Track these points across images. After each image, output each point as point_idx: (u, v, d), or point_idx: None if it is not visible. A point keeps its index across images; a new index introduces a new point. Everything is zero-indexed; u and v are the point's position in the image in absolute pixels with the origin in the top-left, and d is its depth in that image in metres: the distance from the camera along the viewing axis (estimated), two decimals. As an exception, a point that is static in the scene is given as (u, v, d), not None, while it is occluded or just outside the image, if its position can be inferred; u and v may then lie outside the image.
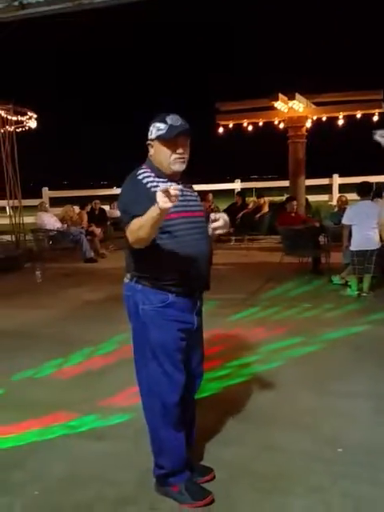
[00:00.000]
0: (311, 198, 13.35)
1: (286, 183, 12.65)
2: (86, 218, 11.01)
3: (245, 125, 11.63)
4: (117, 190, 16.21)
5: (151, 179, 2.27)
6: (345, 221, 6.33)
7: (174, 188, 1.93)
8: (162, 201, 1.91)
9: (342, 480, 2.47)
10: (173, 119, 2.25)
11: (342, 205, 8.82)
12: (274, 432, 2.97)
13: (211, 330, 4.53)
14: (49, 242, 10.16)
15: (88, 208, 11.56)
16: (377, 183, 8.77)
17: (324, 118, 11.44)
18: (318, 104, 11.43)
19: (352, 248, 6.25)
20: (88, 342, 4.80)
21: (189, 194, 2.39)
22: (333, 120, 11.48)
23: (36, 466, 2.75)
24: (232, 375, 3.86)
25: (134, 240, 2.15)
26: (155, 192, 1.99)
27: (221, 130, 11.76)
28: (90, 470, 2.70)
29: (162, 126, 2.25)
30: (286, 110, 10.76)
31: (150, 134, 2.29)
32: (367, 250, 6.11)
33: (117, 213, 12.92)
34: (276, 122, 11.64)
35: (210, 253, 2.39)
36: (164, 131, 2.24)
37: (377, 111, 11.25)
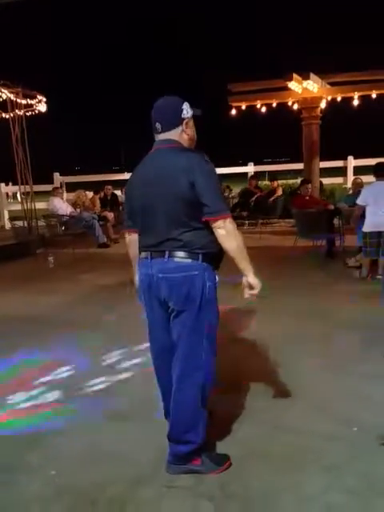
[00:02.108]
0: (325, 180, 13.19)
1: (299, 166, 12.48)
2: (98, 203, 11.00)
3: (258, 106, 11.45)
4: (129, 175, 16.14)
5: None
6: (359, 201, 6.22)
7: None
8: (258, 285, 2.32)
9: (357, 460, 2.45)
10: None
11: (357, 187, 8.68)
12: (287, 411, 2.95)
13: (227, 312, 4.53)
14: (61, 227, 10.18)
15: (101, 194, 11.53)
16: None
17: (339, 99, 11.21)
18: (332, 84, 11.20)
19: (365, 229, 6.15)
20: (102, 326, 4.82)
21: None
22: (348, 100, 11.25)
23: (52, 446, 2.77)
24: (246, 354, 3.85)
25: (227, 233, 2.25)
26: None
27: (233, 111, 11.60)
28: (106, 449, 2.71)
29: (187, 104, 2.40)
30: (300, 91, 10.57)
31: (185, 112, 2.37)
32: (381, 232, 6.02)
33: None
34: (290, 103, 11.45)
35: None
36: (193, 110, 2.41)
37: (393, 91, 11.01)
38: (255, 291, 2.32)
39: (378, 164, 6.44)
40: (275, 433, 2.75)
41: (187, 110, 2.38)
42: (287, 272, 6.68)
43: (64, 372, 3.76)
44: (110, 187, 11.91)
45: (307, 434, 2.71)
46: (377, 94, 10.96)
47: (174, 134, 2.37)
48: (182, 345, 2.36)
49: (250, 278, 2.30)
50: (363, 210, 6.14)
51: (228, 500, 2.22)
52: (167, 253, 2.30)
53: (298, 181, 12.18)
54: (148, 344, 4.00)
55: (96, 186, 12.44)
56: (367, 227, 6.11)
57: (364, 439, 2.62)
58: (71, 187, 12.76)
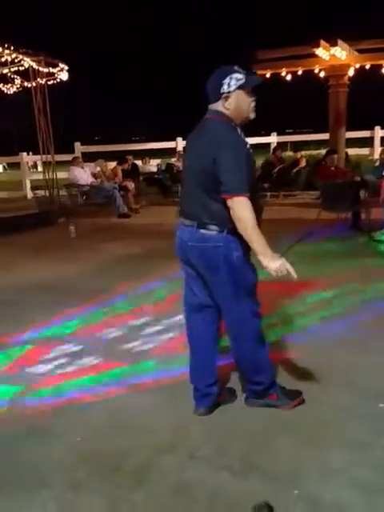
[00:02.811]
0: (351, 151, 12.86)
1: (324, 136, 12.18)
2: (120, 173, 10.91)
3: (283, 74, 11.12)
4: (149, 145, 16.03)
5: (242, 137, 2.40)
6: None
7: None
8: (273, 270, 2.27)
9: (383, 435, 2.40)
10: (242, 69, 2.40)
11: (385, 157, 8.43)
12: (312, 386, 2.90)
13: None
14: (82, 197, 10.18)
15: (125, 165, 11.36)
16: None
17: (367, 66, 10.81)
18: (361, 51, 10.79)
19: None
20: (125, 295, 4.82)
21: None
22: (376, 68, 10.85)
23: (77, 414, 2.78)
24: (269, 329, 3.80)
25: (235, 214, 2.27)
26: (250, 152, 2.38)
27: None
28: (129, 419, 2.71)
29: (239, 76, 2.38)
30: (327, 58, 10.21)
31: (226, 86, 2.37)
32: None
33: (150, 168, 12.87)
34: (316, 71, 11.09)
35: None
36: (244, 80, 2.37)
37: None
38: (275, 274, 2.29)
39: None
40: (300, 406, 2.71)
41: (229, 84, 2.37)
42: (310, 244, 6.56)
43: (84, 342, 3.76)
44: (130, 157, 11.81)
45: (334, 407, 2.67)
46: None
47: (217, 106, 2.44)
48: (224, 307, 2.56)
49: (264, 262, 2.28)
50: None
51: (249, 472, 2.20)
52: (196, 223, 2.44)
53: (323, 152, 11.90)
54: (170, 316, 4.00)
55: (116, 156, 12.35)
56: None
57: (390, 414, 2.57)
58: (92, 157, 12.70)
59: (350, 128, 12.02)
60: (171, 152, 14.03)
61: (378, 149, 13.41)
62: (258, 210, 2.36)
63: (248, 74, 2.42)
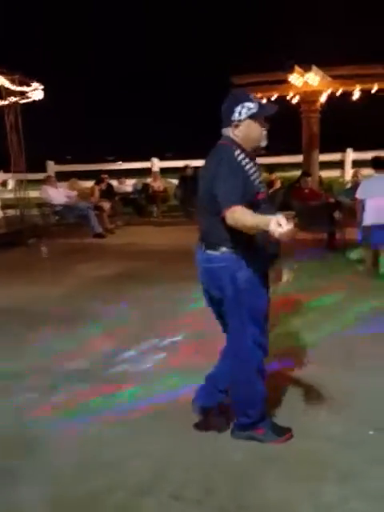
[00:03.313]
0: (323, 173, 13.05)
1: (298, 159, 12.33)
2: (97, 193, 10.76)
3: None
4: (124, 165, 15.93)
5: (247, 160, 2.40)
6: (359, 195, 6.18)
7: (288, 219, 2.03)
8: (275, 229, 2.01)
9: (376, 465, 2.32)
10: (255, 99, 2.45)
11: (357, 180, 8.58)
12: (300, 414, 2.81)
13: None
14: (55, 216, 9.98)
15: (103, 186, 11.21)
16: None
17: (339, 92, 11.05)
18: (334, 77, 11.05)
19: (366, 222, 6.07)
20: (99, 318, 4.65)
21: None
22: (347, 94, 11.10)
23: (46, 453, 2.59)
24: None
25: (235, 225, 2.24)
26: (251, 173, 2.36)
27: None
28: (104, 455, 2.54)
29: (251, 105, 2.40)
30: (300, 85, 10.41)
31: (237, 114, 2.40)
32: (381, 224, 5.93)
33: (125, 188, 12.77)
34: (290, 97, 11.28)
35: None
36: (256, 109, 2.40)
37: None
38: (284, 229, 2.01)
39: (376, 158, 6.38)
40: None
41: (240, 113, 2.40)
42: (287, 264, 6.53)
43: (55, 372, 3.55)
44: (106, 176, 11.69)
45: (321, 437, 2.58)
46: (377, 88, 10.83)
47: (228, 131, 2.47)
48: (228, 329, 2.55)
49: (271, 225, 2.03)
50: (363, 203, 6.07)
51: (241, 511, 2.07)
52: (204, 244, 2.49)
53: (296, 173, 12.03)
54: (145, 341, 3.79)
55: (90, 176, 12.24)
56: (367, 220, 6.04)
57: (381, 442, 2.48)
58: (65, 176, 12.52)
59: (323, 151, 12.22)
60: (146, 172, 13.99)
61: (349, 171, 13.67)
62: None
63: (261, 104, 2.45)
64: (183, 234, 9.70)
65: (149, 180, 12.63)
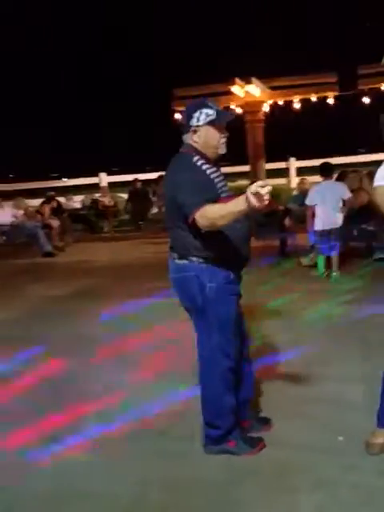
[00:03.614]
0: (270, 182, 13.29)
1: (244, 168, 12.54)
2: (48, 212, 10.50)
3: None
4: (70, 181, 15.71)
5: (207, 165, 2.40)
6: (308, 201, 6.35)
7: (265, 188, 1.93)
8: (254, 200, 1.95)
9: (348, 472, 2.34)
10: (214, 105, 2.44)
11: (305, 187, 8.80)
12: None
13: (178, 322, 4.35)
14: (2, 237, 9.68)
15: (54, 203, 10.95)
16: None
17: (281, 102, 11.39)
18: (274, 88, 11.36)
19: (316, 228, 6.23)
20: (53, 340, 4.49)
21: (223, 177, 2.52)
22: (289, 104, 11.45)
23: (17, 487, 2.46)
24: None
25: (209, 224, 2.22)
26: (212, 178, 2.37)
27: (178, 116, 11.50)
28: (77, 486, 2.43)
29: (210, 111, 2.39)
30: (242, 95, 10.63)
31: (195, 120, 2.40)
32: (331, 229, 6.11)
33: (73, 204, 12.57)
34: (233, 107, 11.48)
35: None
36: (214, 116, 2.39)
37: (331, 94, 11.31)
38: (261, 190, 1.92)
39: (324, 164, 6.57)
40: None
41: (198, 118, 2.39)
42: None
43: (6, 401, 3.38)
44: (53, 193, 11.46)
45: (292, 446, 2.59)
46: (316, 97, 11.22)
47: (187, 138, 2.48)
48: (197, 339, 2.53)
49: (250, 199, 1.95)
50: (313, 209, 6.23)
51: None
52: (174, 254, 2.48)
53: (244, 183, 12.20)
54: (106, 360, 3.68)
55: (35, 194, 11.97)
56: (318, 226, 6.19)
57: (351, 448, 2.51)
58: (7, 196, 12.17)
59: (268, 159, 12.49)
60: (94, 187, 13.83)
61: (294, 179, 14.02)
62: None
63: (219, 111, 2.43)
64: (135, 248, 9.64)
65: (97, 195, 12.49)
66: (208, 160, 2.43)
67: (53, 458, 2.66)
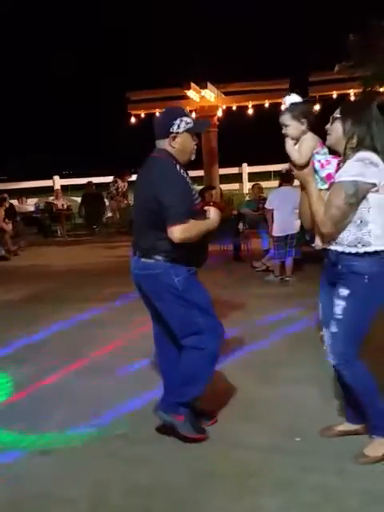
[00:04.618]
0: (223, 187, 13.48)
1: (198, 173, 12.64)
2: (3, 213, 10.20)
3: (157, 114, 11.41)
4: (22, 184, 15.31)
5: (182, 171, 2.59)
6: (267, 205, 6.47)
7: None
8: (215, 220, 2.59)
9: (308, 472, 2.41)
10: (190, 115, 2.65)
11: (258, 192, 8.98)
12: (228, 427, 2.87)
13: (138, 327, 4.36)
14: None
15: (6, 204, 10.63)
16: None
17: (234, 108, 11.55)
18: (227, 93, 11.52)
19: (274, 233, 6.36)
20: (6, 345, 4.41)
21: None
22: (242, 109, 11.64)
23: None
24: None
25: (185, 239, 2.48)
26: (188, 182, 2.59)
27: (133, 119, 11.48)
28: (36, 488, 2.42)
29: (188, 120, 2.59)
30: (198, 100, 10.72)
31: (175, 127, 2.56)
32: (287, 235, 6.25)
33: (27, 207, 12.27)
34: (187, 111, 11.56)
35: None
36: (192, 124, 2.59)
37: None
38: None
39: (286, 171, 6.70)
40: (219, 452, 2.64)
41: (179, 125, 2.56)
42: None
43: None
44: (6, 196, 11.15)
45: (251, 448, 2.65)
46: (269, 103, 11.46)
47: (164, 144, 2.62)
48: (172, 325, 2.69)
49: (215, 220, 2.68)
50: (272, 213, 6.34)
51: (184, 532, 2.07)
52: (138, 252, 2.66)
53: (197, 188, 12.30)
54: (66, 364, 3.63)
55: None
56: (275, 231, 6.32)
57: (309, 448, 2.60)
58: None
59: (221, 165, 12.64)
60: (47, 190, 13.57)
61: (246, 184, 14.26)
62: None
63: (194, 120, 2.64)
64: (90, 252, 9.54)
65: (51, 198, 12.27)
66: (181, 166, 2.61)
67: (10, 462, 2.64)
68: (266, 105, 11.42)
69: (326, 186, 2.43)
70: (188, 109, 10.71)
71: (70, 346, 4.35)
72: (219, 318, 4.67)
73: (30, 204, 12.29)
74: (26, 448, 2.78)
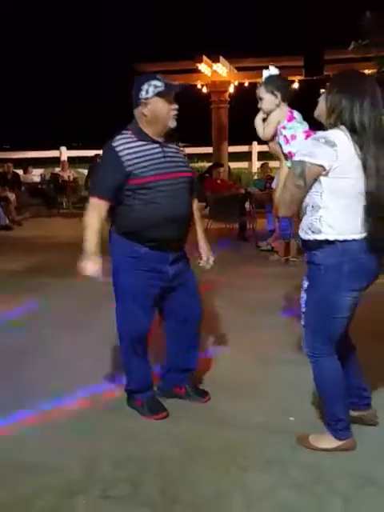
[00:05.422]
0: (232, 165, 13.34)
1: (208, 150, 12.50)
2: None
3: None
4: (29, 154, 15.20)
5: (129, 145, 2.46)
6: (274, 185, 6.36)
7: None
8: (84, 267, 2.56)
9: (299, 451, 2.40)
10: (163, 78, 2.48)
11: (267, 172, 8.88)
12: (221, 405, 2.85)
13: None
14: None
15: (7, 169, 10.60)
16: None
17: (246, 84, 11.34)
18: (240, 69, 11.31)
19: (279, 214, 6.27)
20: (10, 315, 4.41)
21: (171, 154, 2.56)
22: (255, 86, 11.40)
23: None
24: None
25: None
26: (128, 158, 2.43)
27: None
28: (29, 458, 2.43)
29: (158, 83, 2.43)
30: (209, 74, 10.54)
31: (144, 92, 2.43)
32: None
33: (32, 178, 12.20)
34: (199, 86, 11.38)
35: (187, 213, 2.63)
36: (162, 88, 2.43)
37: (297, 78, 11.34)
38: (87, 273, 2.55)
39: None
40: (211, 427, 2.64)
41: (147, 91, 2.43)
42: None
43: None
44: (10, 164, 11.09)
45: (245, 427, 2.64)
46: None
47: (136, 112, 2.52)
48: None
49: (84, 262, 2.57)
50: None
51: (171, 506, 2.07)
52: None
53: (206, 165, 12.20)
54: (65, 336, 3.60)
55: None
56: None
57: (301, 428, 2.57)
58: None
59: (231, 142, 12.48)
60: (53, 161, 13.46)
61: (255, 163, 14.09)
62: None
63: (167, 83, 2.47)
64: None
65: (57, 169, 12.19)
66: (147, 137, 2.49)
67: (1, 431, 2.64)
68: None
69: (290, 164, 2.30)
70: (199, 83, 10.65)
71: (67, 316, 4.35)
72: (218, 296, 4.76)
73: (36, 174, 12.21)
74: (18, 417, 2.77)
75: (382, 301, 3.96)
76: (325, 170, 2.08)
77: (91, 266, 2.51)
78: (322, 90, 2.28)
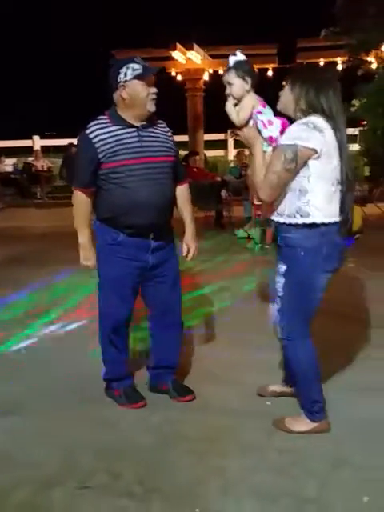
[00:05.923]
0: (208, 153, 13.33)
1: (183, 138, 12.43)
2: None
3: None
4: (1, 143, 14.91)
5: (102, 130, 2.43)
6: (249, 172, 6.36)
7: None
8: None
9: (276, 436, 2.43)
10: (141, 61, 2.44)
11: (242, 159, 8.88)
12: (198, 390, 2.85)
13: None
14: None
15: None
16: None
17: (221, 71, 11.27)
18: (214, 57, 11.26)
19: (256, 201, 6.29)
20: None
21: (149, 139, 2.51)
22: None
23: None
24: (144, 334, 3.69)
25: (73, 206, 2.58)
26: (102, 144, 2.40)
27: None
28: (4, 450, 2.40)
29: (136, 66, 2.39)
30: (184, 61, 10.48)
31: (122, 75, 2.39)
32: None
33: (4, 167, 11.98)
34: (173, 74, 11.30)
35: (165, 199, 2.55)
36: (141, 70, 2.39)
37: (271, 66, 11.38)
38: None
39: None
40: (188, 414, 2.65)
41: (125, 74, 2.39)
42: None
43: None
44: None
45: (221, 411, 2.65)
46: (256, 69, 11.23)
47: (115, 97, 2.48)
48: None
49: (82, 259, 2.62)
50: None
51: (150, 495, 2.06)
52: None
53: (182, 153, 12.13)
54: (44, 328, 3.61)
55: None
56: (258, 199, 6.25)
57: (278, 412, 2.59)
58: None
59: (206, 131, 12.45)
60: (25, 151, 13.24)
61: (231, 151, 14.12)
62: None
63: (145, 65, 2.43)
64: (70, 214, 9.26)
65: (31, 159, 11.99)
66: (125, 123, 2.46)
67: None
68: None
69: (269, 149, 2.32)
70: (174, 71, 10.62)
71: (43, 307, 4.30)
72: (194, 283, 4.76)
73: (9, 164, 12.01)
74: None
75: (345, 281, 4.01)
76: (316, 153, 2.13)
77: (87, 257, 2.58)
78: (284, 83, 2.31)
